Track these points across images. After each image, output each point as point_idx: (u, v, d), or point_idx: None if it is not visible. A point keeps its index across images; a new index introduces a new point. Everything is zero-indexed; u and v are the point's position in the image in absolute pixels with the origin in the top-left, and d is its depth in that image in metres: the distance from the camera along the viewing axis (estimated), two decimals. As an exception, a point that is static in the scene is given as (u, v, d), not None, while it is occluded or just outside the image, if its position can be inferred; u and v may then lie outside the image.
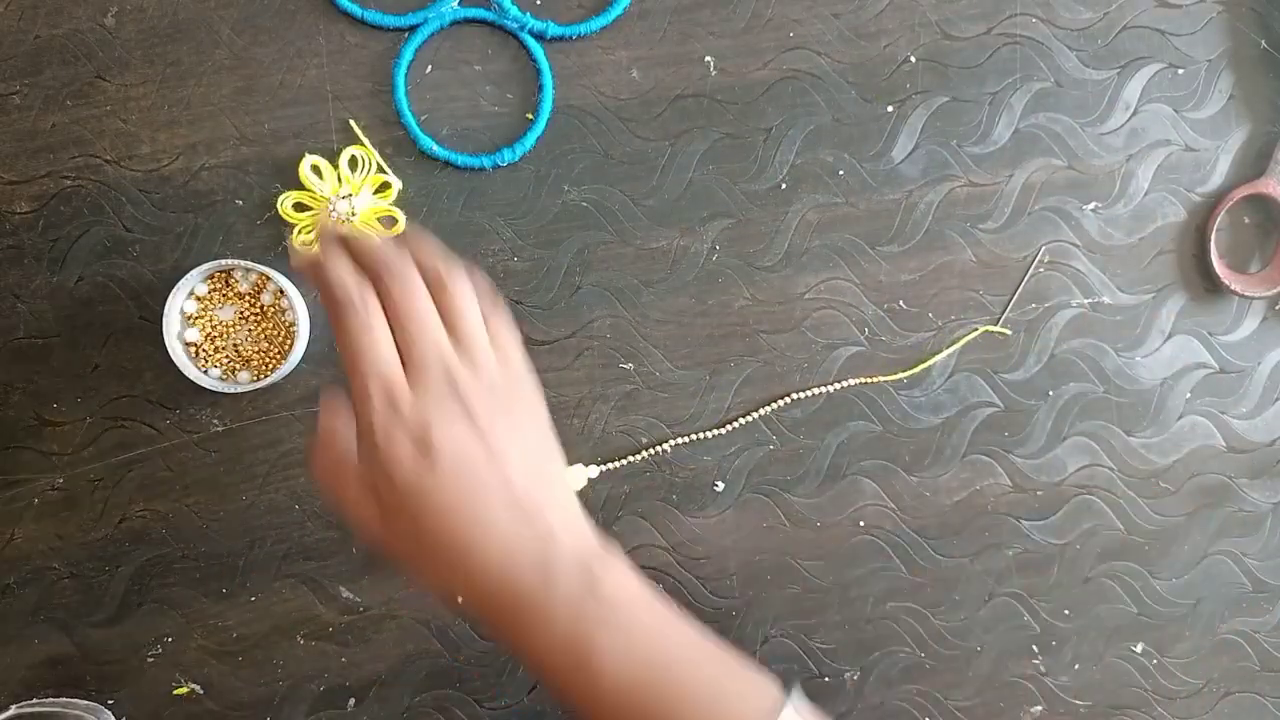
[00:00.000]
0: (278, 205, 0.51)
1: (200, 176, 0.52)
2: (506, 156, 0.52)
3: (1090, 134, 0.55)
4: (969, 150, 0.55)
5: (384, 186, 0.52)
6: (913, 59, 0.54)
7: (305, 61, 0.52)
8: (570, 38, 0.52)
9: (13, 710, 0.51)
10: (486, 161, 0.52)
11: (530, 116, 0.52)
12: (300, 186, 0.51)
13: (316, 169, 0.51)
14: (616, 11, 0.52)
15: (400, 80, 0.51)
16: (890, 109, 0.54)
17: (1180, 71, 0.55)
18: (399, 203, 0.52)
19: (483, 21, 0.52)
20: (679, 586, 0.54)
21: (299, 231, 0.51)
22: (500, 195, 0.53)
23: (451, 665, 0.53)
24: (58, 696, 0.52)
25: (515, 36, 0.52)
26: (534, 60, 0.52)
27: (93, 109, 0.51)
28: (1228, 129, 0.56)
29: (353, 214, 0.50)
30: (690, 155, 0.53)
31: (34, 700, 0.52)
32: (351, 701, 0.53)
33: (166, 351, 0.50)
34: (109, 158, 0.51)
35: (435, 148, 0.52)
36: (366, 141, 0.52)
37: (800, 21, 0.54)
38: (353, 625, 0.53)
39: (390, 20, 0.52)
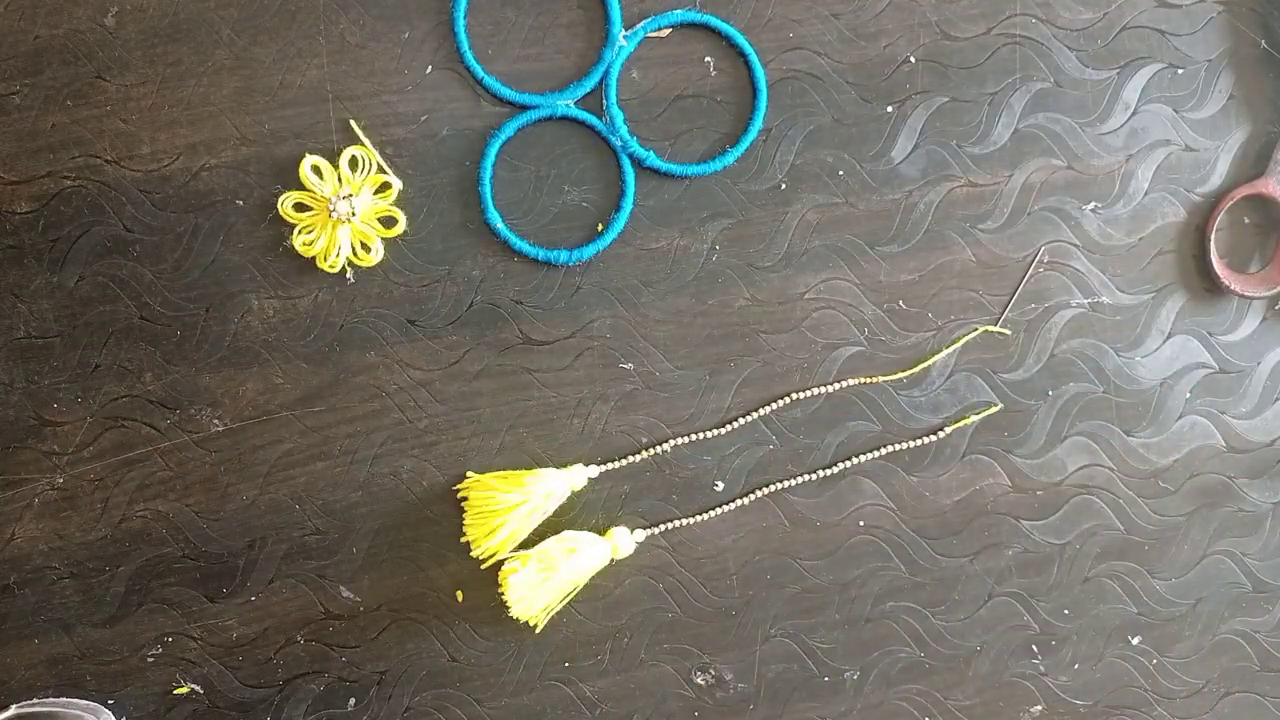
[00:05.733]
0: (278, 205, 0.51)
1: (200, 176, 0.52)
2: (563, 258, 0.52)
3: (1090, 134, 0.55)
4: (969, 150, 0.55)
5: (384, 187, 0.52)
6: (913, 59, 0.54)
7: (305, 62, 0.52)
8: (663, 172, 0.53)
9: (13, 710, 0.51)
10: (544, 255, 0.52)
11: (601, 228, 0.52)
12: (300, 186, 0.51)
13: (317, 169, 0.51)
14: (715, 167, 0.53)
15: (493, 150, 0.52)
16: (890, 109, 0.54)
17: (1180, 71, 0.55)
18: (399, 203, 0.52)
19: (587, 126, 0.53)
20: (679, 586, 0.54)
21: (299, 231, 0.51)
22: (501, 196, 0.53)
23: (451, 665, 0.53)
24: (58, 696, 0.52)
25: (612, 149, 0.53)
26: (622, 179, 0.53)
27: (93, 109, 0.51)
28: (1228, 129, 0.56)
29: (353, 214, 0.50)
30: (691, 156, 0.54)
31: (34, 700, 0.52)
32: (351, 701, 0.53)
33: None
34: (109, 158, 0.51)
35: (500, 225, 0.52)
36: (367, 141, 0.52)
37: (800, 21, 0.54)
38: (353, 625, 0.53)
39: (508, 93, 0.52)
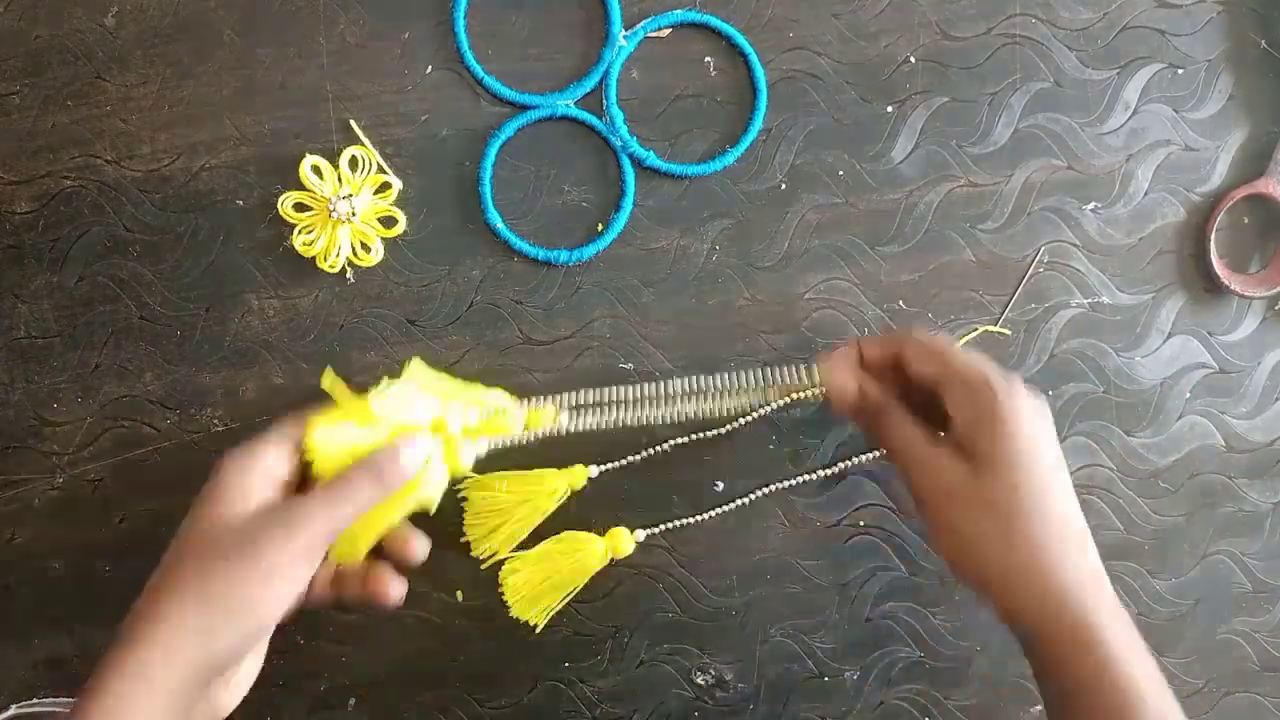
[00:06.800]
0: (278, 205, 0.51)
1: (200, 176, 0.52)
2: (563, 258, 0.52)
3: (1090, 134, 0.55)
4: (969, 150, 0.55)
5: (384, 187, 0.52)
6: (913, 59, 0.54)
7: (305, 61, 0.52)
8: (663, 172, 0.53)
9: (13, 710, 0.51)
10: (544, 255, 0.52)
11: (601, 228, 0.52)
12: (300, 186, 0.51)
13: (317, 169, 0.51)
14: (715, 167, 0.53)
15: (493, 150, 0.52)
16: (890, 109, 0.54)
17: (1180, 71, 0.55)
18: (399, 203, 0.52)
19: (587, 126, 0.53)
20: (679, 586, 0.54)
21: (299, 231, 0.51)
22: (501, 196, 0.53)
23: (451, 665, 0.53)
24: (58, 696, 0.52)
25: (612, 149, 0.53)
26: (622, 179, 0.53)
27: (93, 109, 0.51)
28: (1228, 129, 0.56)
29: (353, 214, 0.50)
30: (691, 156, 0.53)
31: (34, 700, 0.52)
32: (351, 701, 0.53)
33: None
34: (109, 158, 0.51)
35: (500, 225, 0.52)
36: (367, 141, 0.52)
37: (800, 21, 0.54)
38: (353, 625, 0.53)
39: (508, 93, 0.52)
